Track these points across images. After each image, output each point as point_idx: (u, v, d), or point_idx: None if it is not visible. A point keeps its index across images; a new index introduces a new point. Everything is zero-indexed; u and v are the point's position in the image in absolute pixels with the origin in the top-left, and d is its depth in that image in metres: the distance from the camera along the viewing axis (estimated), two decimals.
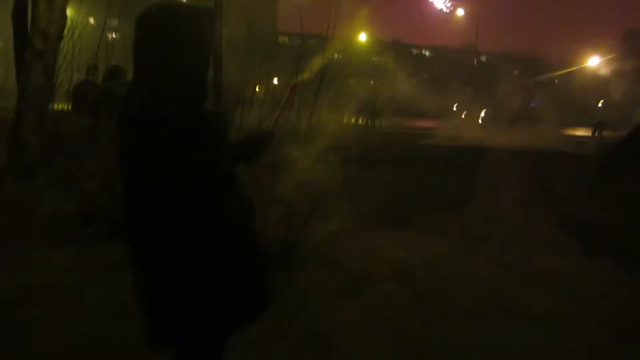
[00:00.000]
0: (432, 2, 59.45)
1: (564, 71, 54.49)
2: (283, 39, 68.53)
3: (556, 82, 60.26)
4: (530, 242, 5.43)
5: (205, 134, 1.73)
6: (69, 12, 6.56)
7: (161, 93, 1.71)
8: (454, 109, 43.28)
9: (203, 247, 1.80)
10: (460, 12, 52.72)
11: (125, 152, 1.81)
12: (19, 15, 6.39)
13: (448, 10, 57.26)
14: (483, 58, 67.76)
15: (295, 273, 4.12)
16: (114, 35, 7.76)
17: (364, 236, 5.38)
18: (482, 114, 35.78)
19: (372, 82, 72.38)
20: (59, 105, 6.87)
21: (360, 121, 33.36)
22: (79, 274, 3.90)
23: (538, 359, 3.06)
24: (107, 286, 3.62)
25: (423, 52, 77.84)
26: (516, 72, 65.89)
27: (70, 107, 7.10)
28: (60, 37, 6.25)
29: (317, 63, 4.95)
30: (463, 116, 39.43)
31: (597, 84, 48.89)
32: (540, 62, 62.65)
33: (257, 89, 5.79)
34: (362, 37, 53.39)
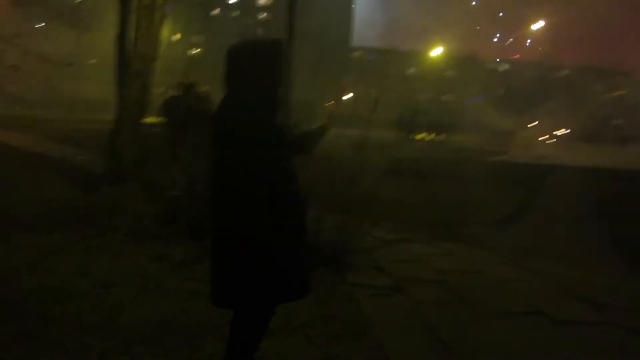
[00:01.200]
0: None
1: None
2: (358, 53, 69.62)
3: None
4: (574, 258, 5.62)
5: (278, 139, 2.33)
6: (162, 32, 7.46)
7: (246, 109, 2.32)
8: (533, 124, 41.84)
9: (265, 235, 2.33)
10: (539, 24, 51.11)
11: (218, 154, 2.41)
12: (121, 39, 7.35)
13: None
14: (565, 72, 65.27)
15: (345, 274, 4.62)
16: (196, 50, 8.59)
17: (411, 245, 5.79)
18: (559, 132, 34.59)
19: (444, 97, 71.67)
20: (151, 119, 7.77)
21: (429, 136, 33.33)
22: (160, 265, 4.60)
23: (559, 357, 3.33)
24: (183, 275, 4.30)
25: (499, 66, 75.94)
26: (599, 86, 62.90)
27: (159, 121, 8.01)
28: (155, 58, 7.17)
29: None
30: (536, 132, 38.12)
31: None
32: (625, 76, 59.57)
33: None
34: (436, 51, 53.17)
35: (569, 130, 34.82)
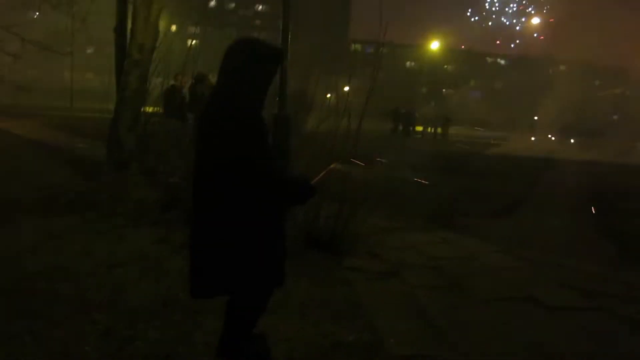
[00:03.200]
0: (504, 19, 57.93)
1: None
2: (355, 47, 69.56)
3: None
4: (568, 249, 5.78)
5: (256, 136, 2.33)
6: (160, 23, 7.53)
7: (232, 104, 2.37)
8: (534, 119, 41.94)
9: (249, 228, 2.39)
10: (535, 20, 51.13)
11: (200, 145, 2.46)
12: (119, 30, 7.43)
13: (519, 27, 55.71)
14: (562, 67, 65.40)
15: (341, 258, 4.75)
16: (194, 42, 8.66)
17: (408, 233, 5.92)
18: (555, 127, 34.79)
19: (444, 90, 71.76)
20: (150, 108, 7.86)
21: (428, 129, 33.44)
22: (162, 248, 4.72)
23: (546, 340, 3.44)
24: (184, 257, 4.41)
25: (498, 60, 76.10)
26: (597, 82, 63.06)
27: (159, 109, 8.11)
28: (153, 48, 7.24)
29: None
30: (533, 127, 38.31)
31: None
32: (624, 74, 59.70)
33: (327, 96, 6.30)
34: (435, 45, 53.22)
35: (566, 125, 34.95)
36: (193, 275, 2.48)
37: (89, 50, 58.51)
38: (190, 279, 2.48)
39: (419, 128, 33.59)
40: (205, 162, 2.40)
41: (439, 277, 4.55)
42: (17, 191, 6.57)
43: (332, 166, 2.73)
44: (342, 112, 5.29)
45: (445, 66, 70.32)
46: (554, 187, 11.07)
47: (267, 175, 2.35)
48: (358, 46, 67.11)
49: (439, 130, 32.17)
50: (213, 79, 7.91)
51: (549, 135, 35.25)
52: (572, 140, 30.27)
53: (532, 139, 34.60)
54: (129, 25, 7.22)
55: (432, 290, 4.21)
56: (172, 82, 8.73)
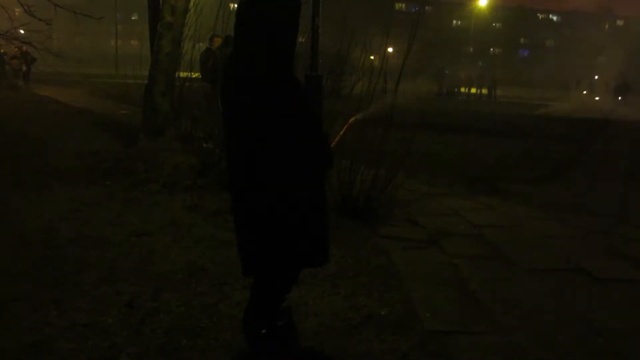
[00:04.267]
0: None
1: None
2: (399, 5, 67.47)
3: None
4: (620, 215, 5.39)
5: (291, 101, 2.16)
6: None
7: (254, 68, 2.14)
8: (595, 79, 39.76)
9: (288, 200, 2.23)
10: None
11: (227, 112, 2.31)
12: None
13: None
14: (620, 22, 61.56)
15: (378, 226, 4.55)
16: (234, 5, 8.46)
17: (449, 199, 5.65)
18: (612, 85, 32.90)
19: (492, 50, 69.07)
20: (184, 73, 7.75)
21: (476, 90, 32.34)
22: (194, 215, 4.64)
23: (596, 315, 3.17)
24: (215, 225, 4.33)
25: (550, 16, 72.36)
26: None
27: (195, 74, 7.98)
28: (186, 10, 7.07)
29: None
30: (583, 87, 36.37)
31: None
32: None
33: (371, 58, 6.01)
34: (483, 2, 50.97)
35: (621, 84, 33.00)
36: (244, 254, 2.36)
37: (134, 17, 59.22)
38: (241, 256, 2.37)
39: (464, 89, 32.54)
40: (244, 133, 2.21)
41: (481, 246, 4.30)
42: (56, 158, 6.64)
43: (351, 120, 2.53)
44: (379, 74, 5.02)
45: (494, 24, 67.49)
46: (606, 150, 10.44)
47: (317, 137, 2.22)
48: (402, 5, 65.08)
49: (484, 91, 31.06)
50: None
51: (595, 96, 33.47)
52: (619, 98, 28.57)
53: (584, 94, 33.00)
54: None
55: (474, 260, 3.96)
56: (208, 45, 8.59)
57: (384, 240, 4.25)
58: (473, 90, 32.41)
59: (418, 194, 5.67)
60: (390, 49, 5.59)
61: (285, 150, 2.17)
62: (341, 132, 2.52)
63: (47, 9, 8.01)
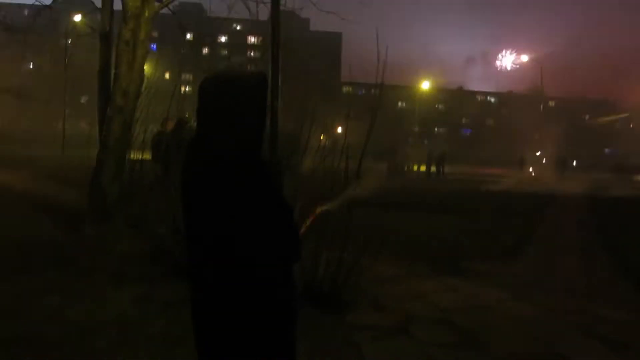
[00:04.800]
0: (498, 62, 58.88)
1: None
2: (347, 89, 70.28)
3: (631, 126, 57.72)
4: (586, 291, 5.35)
5: (266, 189, 1.97)
6: (146, 68, 7.27)
7: (220, 153, 1.96)
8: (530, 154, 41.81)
9: (262, 302, 1.99)
10: (524, 58, 52.00)
11: (191, 203, 2.09)
12: (103, 75, 7.16)
13: (515, 66, 56.51)
14: (551, 103, 66.16)
15: (345, 313, 4.29)
16: (186, 89, 8.44)
17: (413, 280, 5.48)
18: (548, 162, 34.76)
19: (436, 129, 72.30)
20: (135, 155, 7.50)
21: (422, 168, 33.28)
22: (145, 308, 4.25)
23: None
24: (168, 318, 3.96)
25: (488, 98, 77.17)
26: (587, 116, 63.76)
27: (146, 156, 7.74)
28: (138, 94, 6.94)
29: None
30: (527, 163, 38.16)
31: None
32: (612, 106, 60.32)
33: (321, 137, 6.01)
34: (425, 85, 53.85)
35: (561, 160, 34.87)
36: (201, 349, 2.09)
37: (83, 100, 58.94)
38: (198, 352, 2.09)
39: (414, 167, 33.43)
40: (213, 220, 1.99)
41: (451, 332, 4.09)
42: None
43: (317, 211, 2.39)
44: (340, 153, 4.98)
45: (437, 105, 71.13)
46: (559, 224, 10.69)
47: (288, 226, 2.04)
48: (349, 88, 67.88)
49: (433, 168, 31.96)
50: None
51: (530, 170, 35.15)
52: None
53: (531, 171, 34.54)
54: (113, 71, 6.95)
55: (446, 348, 3.75)
56: (160, 128, 8.42)
57: (353, 329, 3.99)
58: (422, 168, 33.33)
59: (381, 275, 5.48)
60: (339, 129, 5.60)
61: (256, 234, 1.97)
62: (308, 223, 2.36)
63: None
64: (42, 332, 3.61)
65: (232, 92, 2.00)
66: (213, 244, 2.00)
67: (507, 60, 56.27)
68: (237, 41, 74.00)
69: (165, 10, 8.18)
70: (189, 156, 2.12)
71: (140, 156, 7.38)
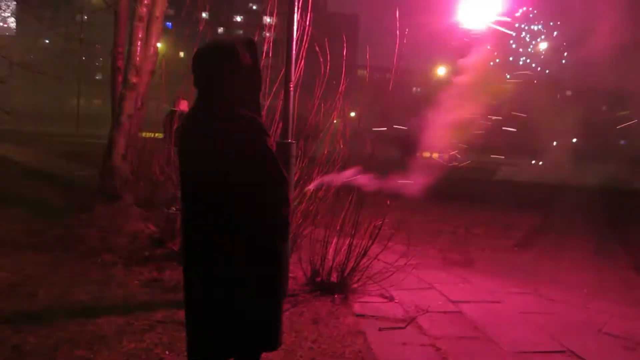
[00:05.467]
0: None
1: None
2: (361, 72, 69.74)
3: None
4: (595, 285, 5.27)
5: (263, 145, 2.04)
6: (160, 46, 7.19)
7: (218, 112, 2.07)
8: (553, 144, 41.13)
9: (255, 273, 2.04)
10: (543, 45, 51.13)
11: (189, 168, 2.12)
12: (116, 52, 7.09)
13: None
14: (568, 92, 65.10)
15: (351, 303, 4.25)
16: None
17: (423, 270, 5.40)
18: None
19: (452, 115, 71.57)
20: (148, 134, 7.47)
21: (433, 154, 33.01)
22: (152, 291, 4.23)
23: None
24: (174, 304, 3.93)
25: (504, 85, 76.15)
26: (604, 108, 62.69)
27: (159, 135, 7.70)
28: (152, 71, 6.88)
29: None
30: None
31: None
32: (629, 98, 59.24)
33: (334, 121, 5.94)
34: (441, 70, 53.15)
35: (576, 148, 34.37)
36: (192, 338, 2.15)
37: (98, 77, 59.08)
38: (188, 341, 2.17)
39: (428, 154, 33.20)
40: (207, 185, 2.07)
41: (461, 325, 4.03)
42: (4, 223, 6.12)
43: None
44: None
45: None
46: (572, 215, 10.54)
47: (284, 191, 2.14)
48: (364, 71, 67.34)
49: (453, 155, 31.71)
50: None
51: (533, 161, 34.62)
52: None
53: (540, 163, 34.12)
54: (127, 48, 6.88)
55: (456, 341, 3.68)
56: (172, 107, 8.35)
57: (359, 319, 3.94)
58: (433, 155, 33.09)
59: (390, 265, 5.40)
60: (352, 114, 5.53)
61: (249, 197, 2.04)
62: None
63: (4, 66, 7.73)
64: (48, 312, 3.60)
65: (217, 56, 2.12)
66: (204, 180, 2.06)
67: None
68: (253, 22, 73.51)
69: None
70: (189, 115, 2.23)
71: (153, 135, 7.34)
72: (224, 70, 2.08)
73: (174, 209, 5.83)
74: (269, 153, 2.04)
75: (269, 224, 2.09)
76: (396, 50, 4.85)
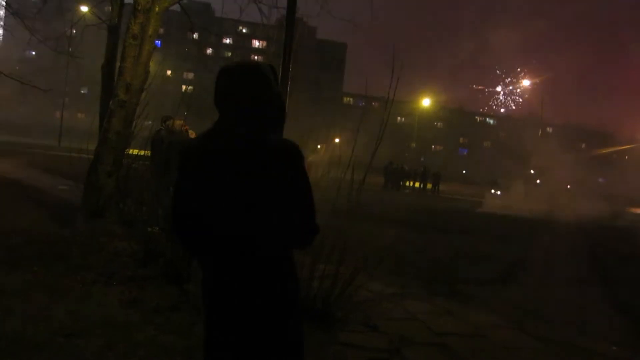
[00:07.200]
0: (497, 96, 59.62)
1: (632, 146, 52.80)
2: (347, 100, 70.48)
3: (627, 157, 58.04)
4: (574, 324, 5.30)
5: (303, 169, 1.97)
6: (150, 64, 7.19)
7: (241, 133, 1.97)
8: (531, 173, 41.65)
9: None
10: (525, 82, 52.30)
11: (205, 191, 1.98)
12: (108, 68, 7.06)
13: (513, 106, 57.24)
14: (549, 129, 66.49)
15: (335, 332, 4.19)
16: (188, 88, 8.36)
17: (408, 301, 5.38)
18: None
19: (433, 147, 72.50)
20: (135, 151, 7.39)
21: (417, 185, 33.24)
22: (133, 312, 4.13)
23: None
24: (156, 326, 3.84)
25: (487, 120, 77.49)
26: (583, 145, 64.12)
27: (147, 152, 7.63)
28: (142, 89, 6.86)
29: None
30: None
31: None
32: (609, 137, 60.72)
33: (318, 147, 5.97)
34: (426, 102, 53.95)
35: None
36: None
37: (83, 91, 58.73)
38: None
39: (409, 183, 33.45)
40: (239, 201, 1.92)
41: (445, 357, 4.00)
42: None
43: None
44: (345, 164, 4.93)
45: (436, 123, 71.39)
46: (553, 249, 10.65)
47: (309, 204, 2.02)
48: (350, 99, 68.11)
49: (429, 185, 31.98)
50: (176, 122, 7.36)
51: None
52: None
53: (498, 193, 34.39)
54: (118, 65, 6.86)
55: None
56: (160, 125, 8.30)
57: (344, 348, 3.89)
58: (417, 185, 33.33)
59: (375, 293, 5.39)
60: (337, 140, 5.56)
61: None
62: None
63: None
64: (27, 332, 3.48)
65: (254, 78, 2.04)
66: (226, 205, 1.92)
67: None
68: (242, 44, 74.21)
69: (172, 8, 8.12)
70: (208, 142, 2.05)
71: (139, 152, 7.26)
72: (261, 93, 2.04)
73: (157, 228, 5.75)
74: (307, 177, 2.01)
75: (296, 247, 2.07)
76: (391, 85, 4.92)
